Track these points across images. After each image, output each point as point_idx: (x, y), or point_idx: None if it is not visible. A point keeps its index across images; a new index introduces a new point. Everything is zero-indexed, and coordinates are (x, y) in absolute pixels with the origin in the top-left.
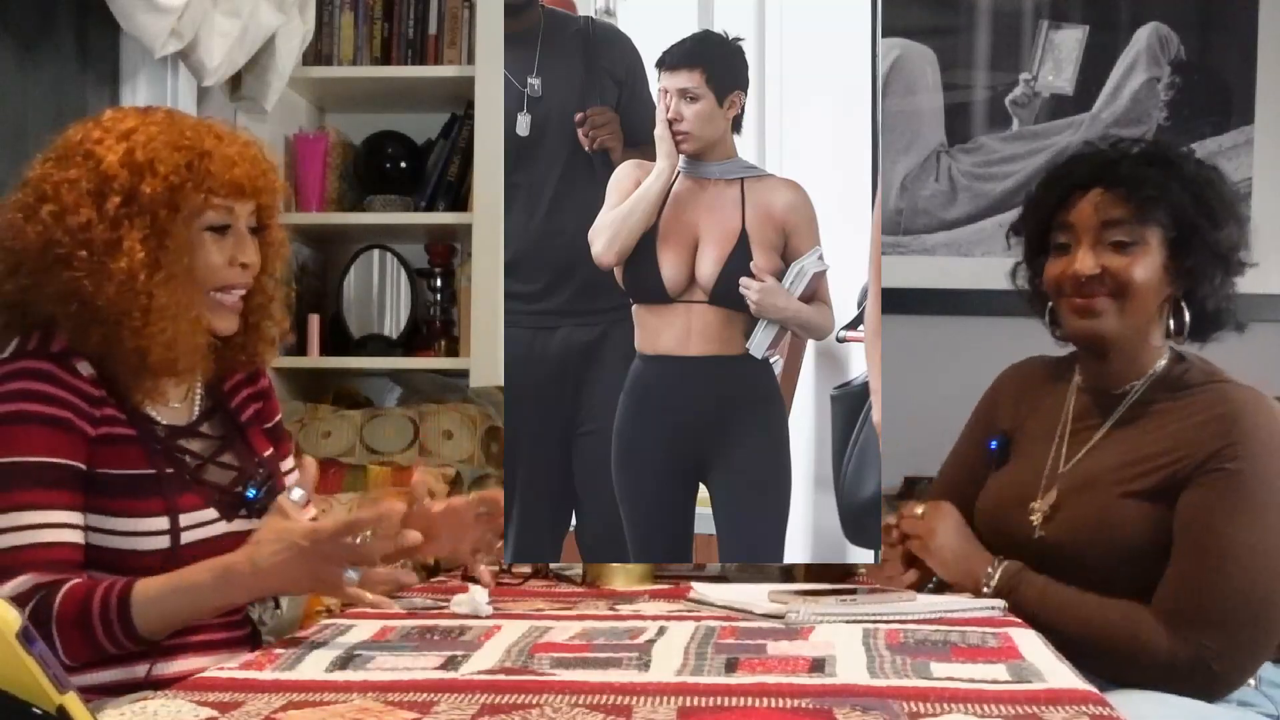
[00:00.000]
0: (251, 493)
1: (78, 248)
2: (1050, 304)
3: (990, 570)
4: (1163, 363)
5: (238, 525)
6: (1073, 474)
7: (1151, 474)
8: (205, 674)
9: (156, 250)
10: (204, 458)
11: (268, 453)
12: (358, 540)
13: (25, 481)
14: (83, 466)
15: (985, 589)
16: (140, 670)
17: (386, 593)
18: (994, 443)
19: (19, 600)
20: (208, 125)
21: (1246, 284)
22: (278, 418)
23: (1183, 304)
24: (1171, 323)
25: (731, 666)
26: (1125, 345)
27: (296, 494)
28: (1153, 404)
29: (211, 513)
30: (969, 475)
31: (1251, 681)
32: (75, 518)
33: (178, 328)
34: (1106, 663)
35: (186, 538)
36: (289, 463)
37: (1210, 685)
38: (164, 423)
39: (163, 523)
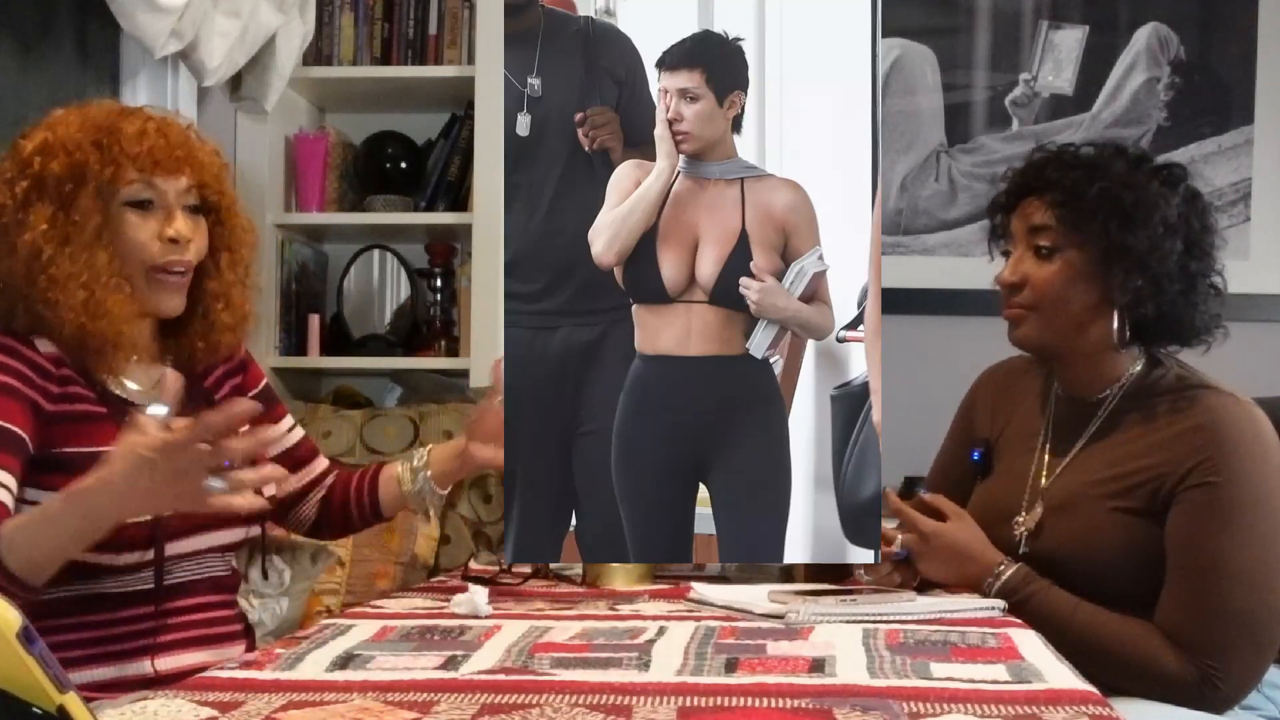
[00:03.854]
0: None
1: None
2: None
3: (1000, 569)
4: (1137, 368)
5: None
6: (1055, 489)
7: (1134, 490)
8: (205, 674)
9: (64, 225)
10: None
11: (244, 429)
12: (209, 445)
13: None
14: (26, 438)
15: (989, 589)
16: (144, 666)
17: (258, 492)
18: (976, 454)
19: None
20: (129, 109)
21: (1243, 284)
22: (262, 383)
23: (1121, 312)
24: (1124, 333)
25: (731, 666)
26: (1078, 352)
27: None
28: (1130, 413)
29: None
30: (954, 481)
31: None
32: (7, 479)
33: (93, 297)
34: (1114, 676)
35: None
36: (288, 421)
37: (1217, 702)
38: (138, 403)
39: None
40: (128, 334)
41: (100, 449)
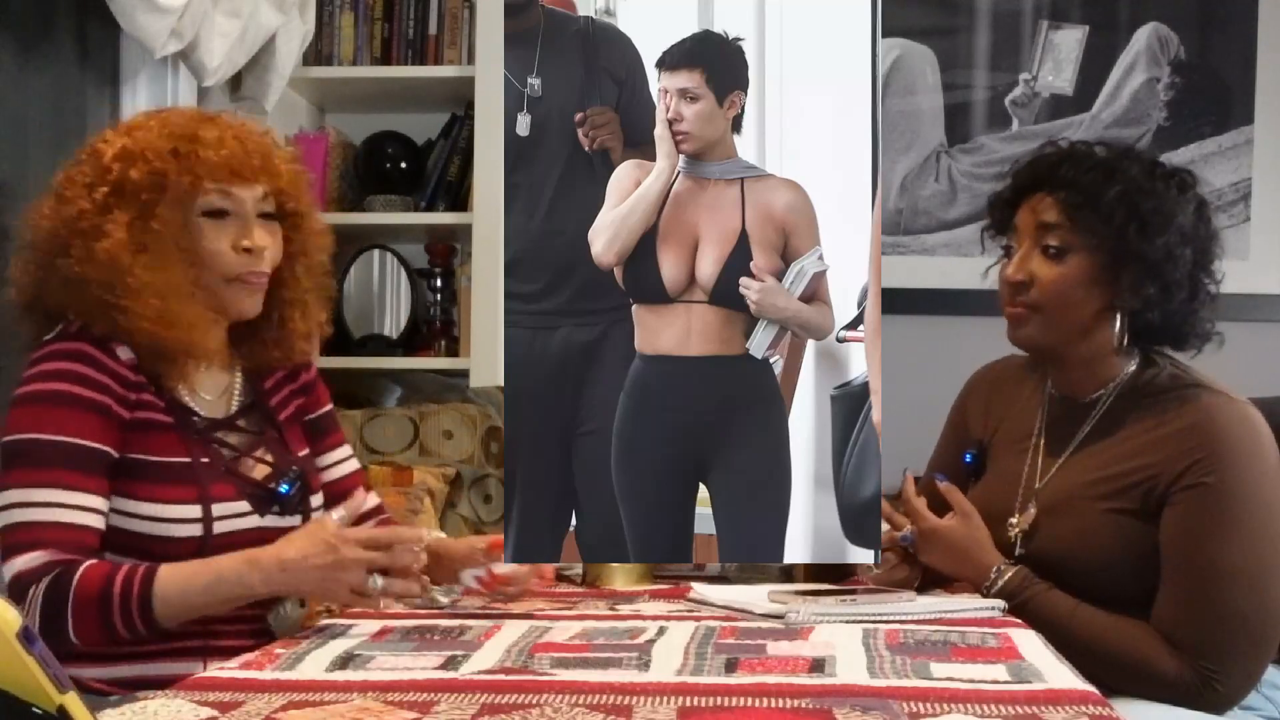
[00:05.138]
0: (285, 488)
1: (73, 236)
2: None
3: (999, 568)
4: (1131, 368)
5: (269, 521)
6: (1049, 490)
7: (1128, 491)
8: (205, 674)
9: (141, 233)
10: (239, 451)
11: (303, 452)
12: (385, 555)
13: (55, 460)
14: (112, 452)
15: (987, 592)
16: (196, 667)
17: (397, 600)
18: (968, 456)
19: (30, 575)
20: (208, 116)
21: (1243, 284)
22: (325, 409)
23: (1124, 317)
24: (1125, 336)
25: (731, 666)
26: (1074, 354)
27: (338, 513)
28: (1124, 413)
29: (244, 505)
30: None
31: None
32: (98, 502)
33: (169, 306)
34: (1113, 677)
35: (219, 528)
36: (343, 451)
37: (1216, 703)
38: (203, 414)
39: (195, 511)
40: (200, 343)
41: (162, 458)
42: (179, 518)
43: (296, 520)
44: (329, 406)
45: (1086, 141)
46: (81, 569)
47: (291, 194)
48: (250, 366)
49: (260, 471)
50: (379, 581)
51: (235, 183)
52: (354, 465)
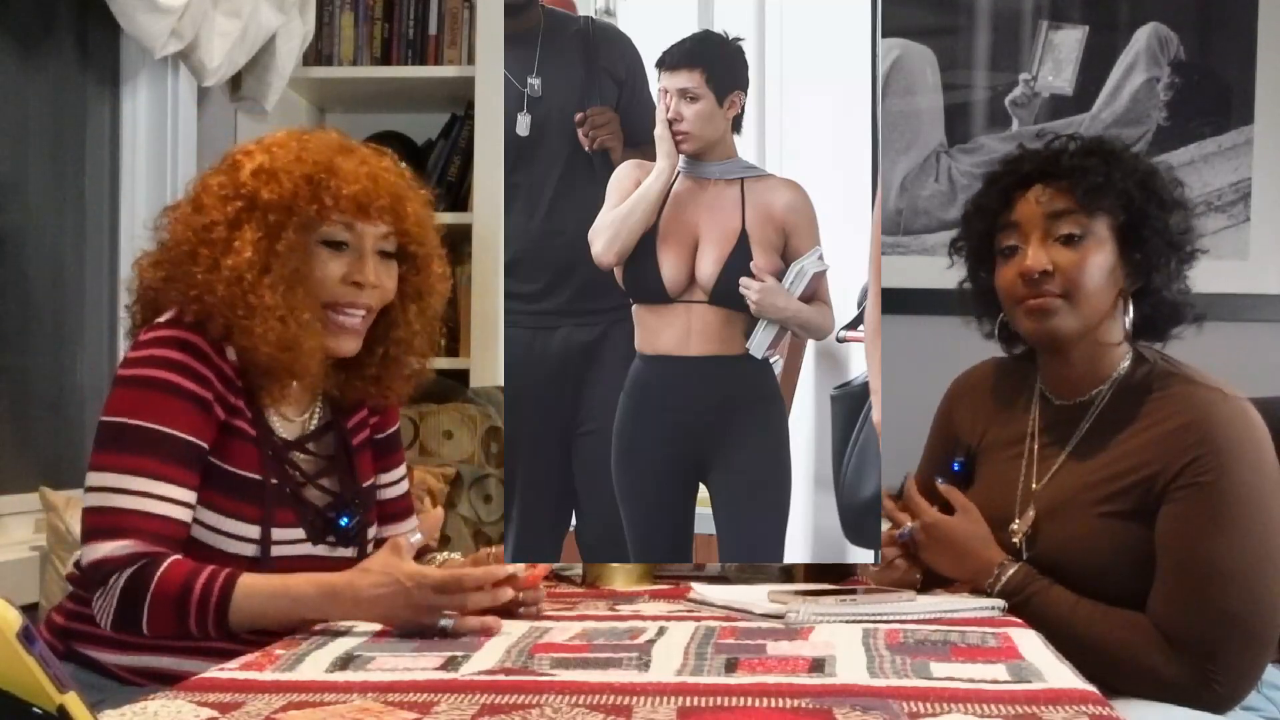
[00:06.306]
0: (344, 520)
1: (200, 245)
2: (1000, 315)
3: (1003, 564)
4: (1125, 365)
5: (322, 550)
6: (1046, 494)
7: (1126, 493)
8: (206, 674)
9: (267, 254)
10: (307, 476)
11: (369, 482)
12: (457, 598)
13: (153, 448)
14: (206, 447)
15: (990, 589)
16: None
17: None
18: (956, 465)
19: (115, 563)
20: (348, 146)
21: (1243, 284)
22: (392, 428)
23: (1132, 299)
24: (1128, 319)
25: (731, 666)
26: (1084, 346)
27: (415, 537)
28: (1120, 412)
29: (300, 532)
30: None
31: None
32: (188, 495)
33: (287, 331)
34: (1113, 676)
35: (276, 551)
36: (399, 472)
37: (1216, 703)
38: (280, 434)
39: (255, 531)
40: (309, 368)
41: (240, 471)
42: (239, 535)
43: (351, 552)
44: (396, 426)
45: (1064, 135)
46: (165, 565)
47: (416, 236)
48: (340, 397)
49: (322, 499)
50: (450, 624)
51: (360, 218)
52: (404, 488)
